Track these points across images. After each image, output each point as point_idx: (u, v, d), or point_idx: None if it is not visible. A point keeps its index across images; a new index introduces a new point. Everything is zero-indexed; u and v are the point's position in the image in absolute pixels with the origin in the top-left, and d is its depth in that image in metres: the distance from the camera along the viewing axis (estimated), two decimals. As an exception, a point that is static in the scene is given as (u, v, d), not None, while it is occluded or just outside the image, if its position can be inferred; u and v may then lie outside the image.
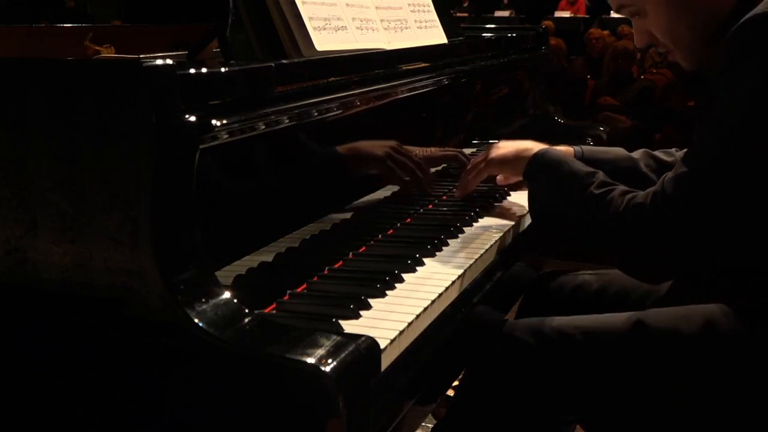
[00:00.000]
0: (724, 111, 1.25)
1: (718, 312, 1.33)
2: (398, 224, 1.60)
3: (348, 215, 1.57)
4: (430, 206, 1.75)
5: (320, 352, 0.96)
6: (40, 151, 1.09)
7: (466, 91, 2.20)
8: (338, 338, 1.00)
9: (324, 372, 0.93)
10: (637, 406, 1.36)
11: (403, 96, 1.68)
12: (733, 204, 1.24)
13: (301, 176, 1.44)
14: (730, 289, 1.37)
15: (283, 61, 1.40)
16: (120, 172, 1.04)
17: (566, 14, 9.83)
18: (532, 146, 1.64)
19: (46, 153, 1.09)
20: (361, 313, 1.18)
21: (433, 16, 2.00)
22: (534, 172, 1.59)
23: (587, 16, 9.95)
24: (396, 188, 1.76)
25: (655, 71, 6.25)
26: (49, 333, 1.13)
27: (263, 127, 1.24)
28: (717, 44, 1.35)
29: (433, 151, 1.92)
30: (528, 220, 1.72)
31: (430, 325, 1.23)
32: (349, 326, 1.12)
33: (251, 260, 1.30)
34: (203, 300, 1.03)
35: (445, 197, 1.83)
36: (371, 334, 1.05)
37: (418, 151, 1.81)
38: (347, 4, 1.61)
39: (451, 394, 1.94)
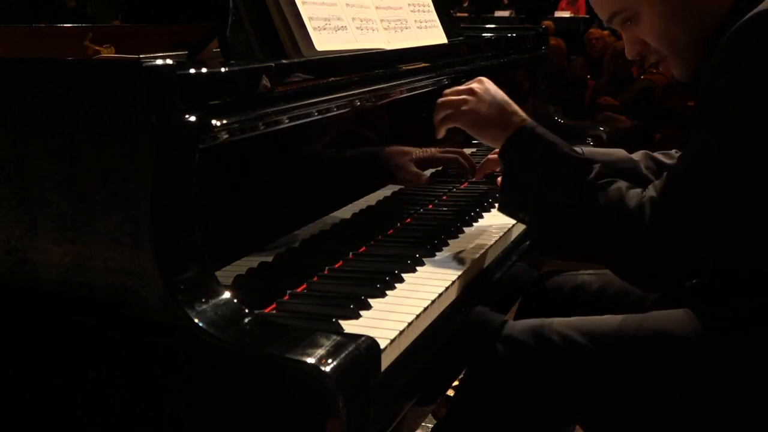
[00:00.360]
0: (725, 110, 1.22)
1: (717, 313, 1.33)
2: (398, 224, 1.60)
3: (348, 215, 1.57)
4: (430, 206, 1.75)
5: (320, 352, 0.96)
6: (40, 151, 1.09)
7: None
8: (338, 338, 0.99)
9: (324, 372, 0.93)
10: (636, 406, 1.36)
11: (403, 96, 1.68)
12: (736, 205, 1.22)
13: (301, 176, 1.44)
14: (730, 290, 1.37)
15: (283, 61, 1.40)
16: (120, 172, 1.04)
17: (566, 14, 9.83)
18: (512, 114, 1.46)
19: (46, 153, 1.09)
20: (361, 313, 1.18)
21: (433, 16, 2.00)
22: (516, 149, 1.42)
23: (587, 16, 9.95)
24: (396, 188, 1.76)
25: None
26: (49, 333, 1.13)
27: (263, 127, 1.24)
28: (711, 50, 1.33)
29: (433, 151, 1.92)
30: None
31: (430, 325, 1.23)
32: (349, 326, 1.12)
33: (251, 260, 1.30)
34: (203, 300, 1.03)
35: (445, 197, 1.83)
36: (371, 334, 1.05)
37: (418, 151, 1.81)
38: (347, 4, 1.61)
39: (451, 394, 1.94)
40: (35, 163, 1.10)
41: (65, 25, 2.54)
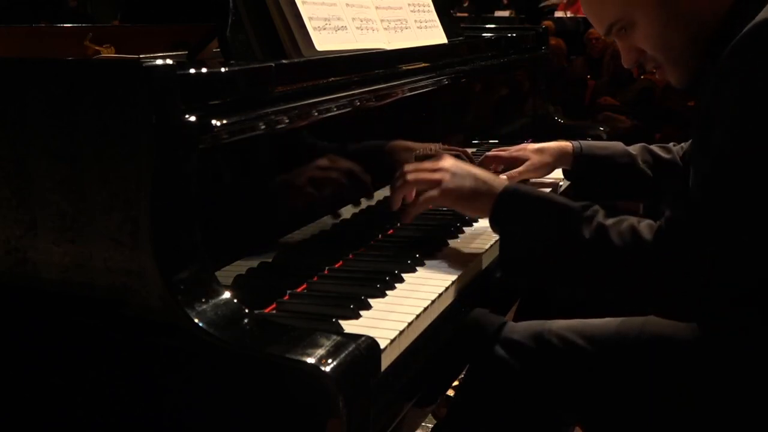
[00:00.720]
0: (731, 123, 1.17)
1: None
2: (398, 224, 1.60)
3: (348, 215, 1.57)
4: (430, 206, 1.75)
5: (320, 352, 0.96)
6: (40, 151, 1.09)
7: (466, 91, 2.20)
8: (338, 338, 1.00)
9: (324, 372, 0.93)
10: (636, 408, 1.36)
11: (403, 96, 1.68)
12: (754, 220, 1.15)
13: (301, 176, 1.44)
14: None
15: (283, 61, 1.40)
16: (120, 172, 1.04)
17: (561, 14, 9.80)
18: (492, 180, 1.42)
19: (46, 153, 1.09)
20: (361, 313, 1.18)
21: (433, 16, 2.00)
22: (506, 214, 1.36)
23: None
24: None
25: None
26: (49, 333, 1.13)
27: (263, 127, 1.24)
28: (706, 58, 1.32)
29: (435, 148, 1.91)
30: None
31: (430, 326, 1.23)
32: (349, 326, 1.12)
33: (251, 260, 1.30)
34: (203, 300, 1.03)
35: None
36: (371, 334, 1.05)
37: (421, 148, 1.81)
38: (347, 4, 1.61)
39: (451, 394, 1.94)
40: (35, 163, 1.10)
41: (65, 25, 2.54)
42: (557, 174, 2.07)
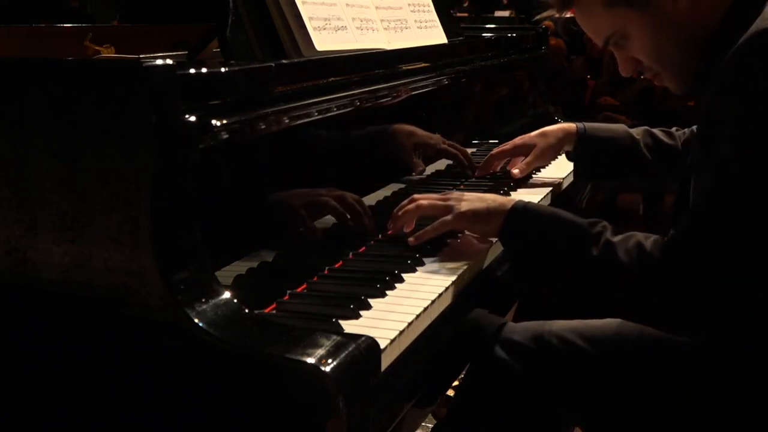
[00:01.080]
0: (731, 134, 1.16)
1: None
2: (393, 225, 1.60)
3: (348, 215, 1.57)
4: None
5: (320, 352, 0.96)
6: (40, 151, 1.09)
7: (466, 91, 2.20)
8: (338, 338, 0.99)
9: (324, 372, 0.93)
10: (636, 409, 1.36)
11: (403, 96, 1.68)
12: (757, 230, 1.15)
13: (301, 176, 1.44)
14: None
15: (283, 61, 1.40)
16: (120, 172, 1.04)
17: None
18: (503, 200, 1.44)
19: (46, 153, 1.09)
20: (361, 313, 1.18)
21: (433, 16, 2.00)
22: (516, 229, 1.37)
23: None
24: (396, 188, 1.76)
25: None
26: (49, 333, 1.13)
27: (263, 127, 1.24)
28: (704, 62, 1.32)
29: (437, 139, 1.90)
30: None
31: (430, 326, 1.23)
32: (349, 326, 1.12)
33: (251, 260, 1.30)
34: (203, 300, 1.03)
35: (445, 197, 1.83)
36: (371, 334, 1.05)
37: (423, 136, 1.79)
38: (347, 4, 1.61)
39: (451, 394, 1.94)
40: (35, 163, 1.10)
41: (65, 25, 2.53)
42: (559, 174, 2.07)
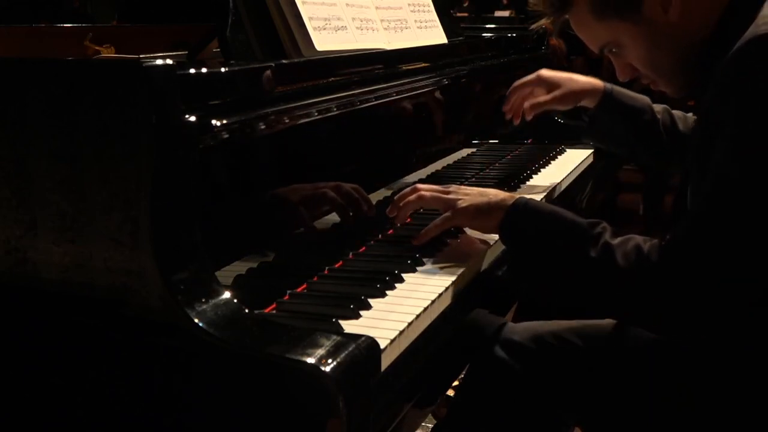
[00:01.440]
0: (730, 141, 1.16)
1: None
2: (398, 224, 1.60)
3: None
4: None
5: (320, 352, 0.96)
6: (40, 151, 1.09)
7: (466, 91, 2.20)
8: (338, 338, 0.99)
9: (324, 372, 0.93)
10: (635, 408, 1.36)
11: (403, 96, 1.68)
12: (757, 235, 1.15)
13: (301, 176, 1.44)
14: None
15: (283, 61, 1.40)
16: (120, 172, 1.04)
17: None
18: (504, 195, 1.43)
19: (46, 153, 1.09)
20: (361, 313, 1.18)
21: (433, 16, 2.00)
22: (516, 226, 1.37)
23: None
24: (396, 188, 1.76)
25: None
26: (49, 333, 1.13)
27: (263, 127, 1.24)
28: (700, 68, 1.32)
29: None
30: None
31: (430, 326, 1.23)
32: (349, 326, 1.12)
33: (251, 260, 1.30)
34: (203, 300, 1.03)
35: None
36: (371, 334, 1.04)
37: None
38: (347, 4, 1.61)
39: (451, 394, 1.94)
40: (35, 163, 1.10)
41: (65, 25, 2.54)
42: (554, 179, 2.07)
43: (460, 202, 1.43)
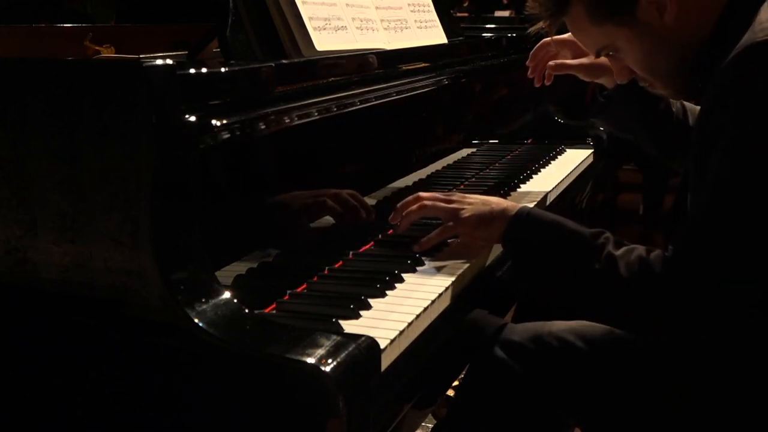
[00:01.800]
0: (728, 149, 1.16)
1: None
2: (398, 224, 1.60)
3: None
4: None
5: (320, 352, 0.96)
6: (40, 151, 1.09)
7: (466, 91, 2.20)
8: (338, 338, 0.99)
9: (324, 372, 0.93)
10: (635, 409, 1.36)
11: (403, 96, 1.68)
12: (756, 241, 1.15)
13: (301, 176, 1.44)
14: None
15: (283, 61, 1.40)
16: (120, 172, 1.04)
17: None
18: (507, 204, 1.42)
19: (46, 153, 1.09)
20: (361, 313, 1.18)
21: (433, 16, 2.00)
22: (518, 236, 1.37)
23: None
24: (396, 188, 1.76)
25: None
26: (49, 333, 1.13)
27: (263, 127, 1.24)
28: (698, 71, 1.32)
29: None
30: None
31: (430, 326, 1.23)
32: (349, 326, 1.12)
33: (251, 260, 1.30)
34: (203, 300, 1.03)
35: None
36: (371, 334, 1.04)
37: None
38: (347, 4, 1.61)
39: (451, 394, 1.94)
40: (35, 163, 1.10)
41: (65, 25, 2.53)
42: (554, 179, 2.07)
43: (462, 212, 1.43)
